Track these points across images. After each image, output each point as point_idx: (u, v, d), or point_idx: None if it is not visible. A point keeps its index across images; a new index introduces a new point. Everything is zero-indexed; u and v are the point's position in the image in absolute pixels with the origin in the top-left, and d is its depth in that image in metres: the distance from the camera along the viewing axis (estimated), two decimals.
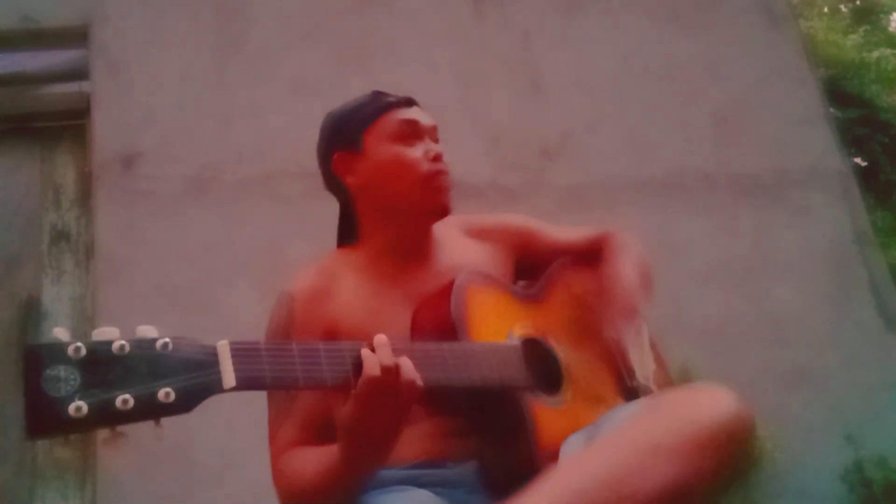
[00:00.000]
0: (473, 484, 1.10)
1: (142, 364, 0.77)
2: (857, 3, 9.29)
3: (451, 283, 1.16)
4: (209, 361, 0.83)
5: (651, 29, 3.41)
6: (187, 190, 2.90)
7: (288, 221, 2.81)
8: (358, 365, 0.93)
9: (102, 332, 0.78)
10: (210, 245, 2.81)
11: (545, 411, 1.10)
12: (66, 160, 3.05)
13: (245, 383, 0.85)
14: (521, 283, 1.39)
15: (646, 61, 3.35)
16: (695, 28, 3.45)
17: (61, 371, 0.74)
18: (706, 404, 0.90)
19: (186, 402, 0.78)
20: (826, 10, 9.40)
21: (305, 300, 1.20)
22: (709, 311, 2.92)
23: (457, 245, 1.33)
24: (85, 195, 2.97)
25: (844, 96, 6.11)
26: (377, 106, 1.28)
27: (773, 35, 3.50)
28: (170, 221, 2.83)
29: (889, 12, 9.26)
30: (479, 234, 1.37)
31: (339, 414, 0.97)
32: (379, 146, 1.26)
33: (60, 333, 0.76)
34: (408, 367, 0.95)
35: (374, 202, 1.29)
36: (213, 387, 0.82)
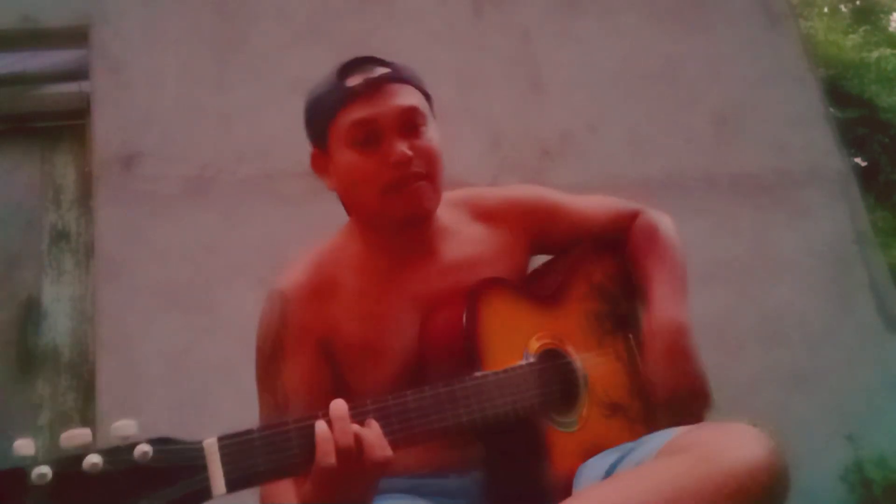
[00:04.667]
0: (476, 496, 1.06)
1: (119, 481, 0.68)
2: (857, 3, 9.29)
3: (463, 299, 1.08)
4: (195, 466, 0.74)
5: (651, 29, 3.41)
6: (187, 190, 2.90)
7: (288, 221, 2.81)
8: (310, 445, 0.81)
9: (72, 437, 0.69)
10: (210, 245, 2.81)
11: (559, 436, 1.06)
12: (66, 160, 3.05)
13: (237, 485, 0.77)
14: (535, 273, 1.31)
15: (646, 61, 3.35)
16: (695, 28, 3.45)
17: (26, 502, 0.64)
18: (736, 447, 0.87)
19: None
20: (826, 10, 9.40)
21: (299, 302, 1.11)
22: (709, 311, 2.91)
23: (464, 234, 1.22)
24: (85, 195, 2.96)
25: (844, 96, 6.11)
26: (334, 99, 1.13)
27: (773, 35, 3.50)
28: (170, 221, 2.83)
29: (889, 12, 9.26)
30: (490, 216, 1.24)
31: (299, 491, 0.89)
32: (339, 150, 1.13)
33: (23, 447, 0.66)
34: (371, 439, 0.84)
35: (351, 206, 1.19)
36: (202, 496, 0.74)
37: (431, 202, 1.14)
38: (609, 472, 0.98)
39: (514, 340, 1.10)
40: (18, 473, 0.65)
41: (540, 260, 1.35)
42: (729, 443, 0.88)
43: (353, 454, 0.83)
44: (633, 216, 1.35)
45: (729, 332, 2.92)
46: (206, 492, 0.74)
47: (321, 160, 1.18)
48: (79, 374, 2.75)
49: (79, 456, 0.68)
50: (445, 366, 1.05)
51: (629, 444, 1.02)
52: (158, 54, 3.08)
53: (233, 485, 0.76)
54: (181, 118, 2.99)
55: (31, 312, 2.80)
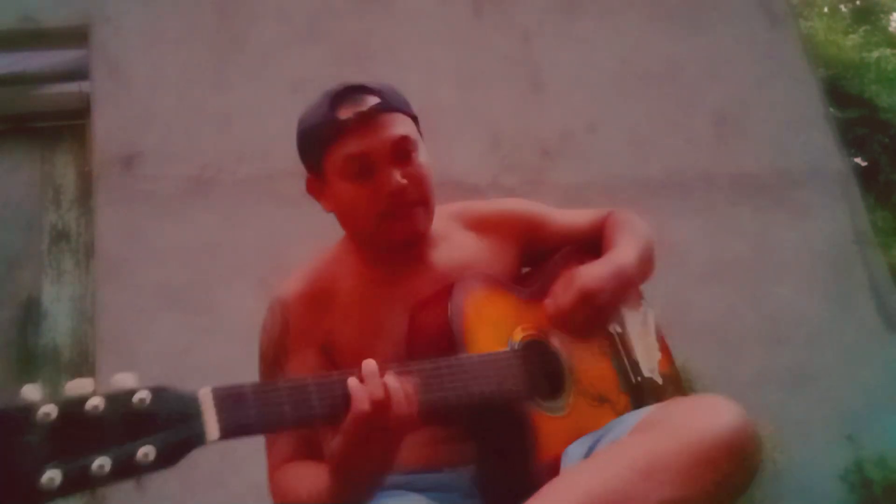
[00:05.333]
0: (469, 489, 1.08)
1: (118, 422, 0.73)
2: (857, 3, 9.29)
3: (449, 289, 1.12)
4: (191, 413, 0.78)
5: (651, 29, 3.41)
6: (187, 190, 2.90)
7: (288, 221, 2.81)
8: (347, 397, 0.88)
9: (76, 385, 0.73)
10: (210, 245, 2.81)
11: (546, 420, 1.08)
12: (66, 160, 3.05)
13: (230, 433, 0.81)
14: (525, 270, 1.34)
15: (646, 61, 3.35)
16: (695, 28, 3.45)
17: (32, 438, 0.68)
18: (706, 419, 0.89)
19: (167, 459, 0.75)
20: (826, 10, 9.39)
21: (300, 309, 1.15)
22: (709, 311, 2.92)
23: (456, 241, 1.27)
24: (85, 195, 2.97)
25: (844, 96, 6.10)
26: (327, 131, 1.16)
27: (773, 35, 3.50)
28: (170, 221, 2.83)
29: (889, 12, 9.26)
30: (480, 225, 1.30)
31: (328, 448, 0.94)
32: (334, 179, 1.18)
33: (30, 392, 0.70)
34: (400, 396, 0.90)
35: (347, 229, 1.24)
36: (197, 441, 0.78)
37: (425, 225, 1.20)
38: (588, 454, 0.99)
39: (499, 330, 1.13)
40: (25, 412, 0.69)
41: None
42: (699, 414, 0.90)
43: (384, 405, 0.88)
44: (607, 215, 1.41)
45: (729, 332, 2.92)
46: (201, 437, 0.78)
47: (317, 185, 1.23)
48: (79, 374, 2.75)
49: (82, 399, 0.72)
50: (431, 355, 1.06)
51: (604, 428, 1.04)
52: (158, 54, 3.08)
53: (226, 432, 0.80)
54: (181, 118, 3.00)
55: (31, 312, 2.81)
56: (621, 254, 1.26)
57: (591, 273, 1.19)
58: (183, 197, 2.89)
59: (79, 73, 3.05)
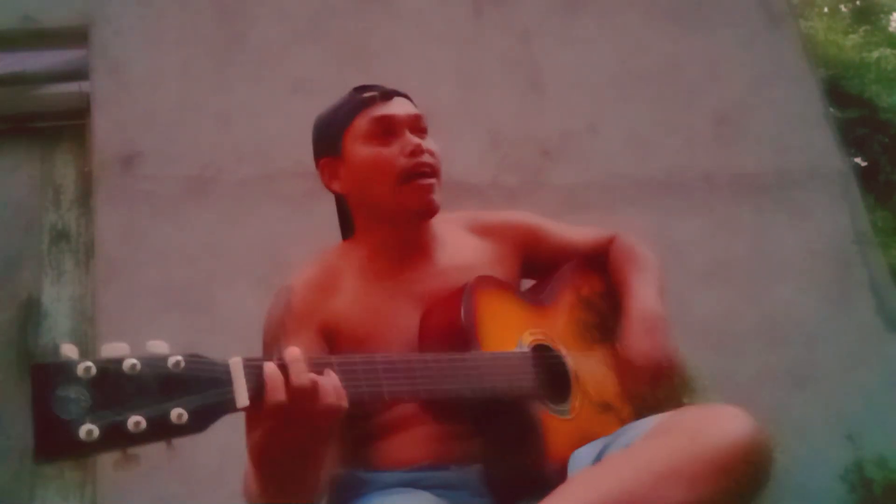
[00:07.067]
0: (477, 487, 1.09)
1: (153, 384, 0.75)
2: (857, 3, 9.30)
3: (461, 289, 1.14)
4: (222, 380, 0.80)
5: (651, 29, 3.41)
6: (187, 190, 2.90)
7: (288, 221, 2.81)
8: (261, 383, 0.83)
9: (112, 348, 0.75)
10: (210, 245, 2.81)
11: (553, 421, 1.10)
12: (66, 160, 3.05)
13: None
14: (527, 283, 1.37)
15: (646, 61, 3.35)
16: (695, 28, 3.45)
17: (71, 391, 0.70)
18: (722, 426, 0.90)
19: (199, 422, 0.76)
20: (826, 10, 9.40)
21: (304, 292, 1.18)
22: (709, 311, 2.92)
23: (459, 242, 1.31)
24: (85, 195, 2.96)
25: (844, 96, 6.11)
26: (351, 107, 1.26)
27: (773, 35, 3.50)
28: (170, 221, 2.83)
29: (889, 12, 9.26)
30: (484, 231, 1.34)
31: (247, 438, 0.89)
32: (355, 149, 1.24)
33: (69, 350, 0.72)
34: (328, 386, 0.85)
35: (361, 205, 1.27)
36: (227, 406, 0.79)
37: (438, 199, 1.24)
38: (599, 458, 1.01)
39: (509, 332, 1.15)
40: (67, 365, 0.71)
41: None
42: (714, 421, 0.92)
43: (307, 394, 0.84)
44: (611, 239, 1.44)
45: (729, 332, 2.92)
46: (231, 403, 0.80)
47: (331, 167, 1.28)
48: None
49: (120, 358, 0.74)
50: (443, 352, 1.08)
51: (615, 433, 1.06)
52: (158, 54, 3.08)
53: (256, 401, 0.81)
54: (181, 118, 2.99)
55: (31, 312, 2.80)
56: (647, 302, 1.28)
57: (642, 348, 1.22)
58: (183, 197, 2.88)
59: (79, 73, 3.05)
